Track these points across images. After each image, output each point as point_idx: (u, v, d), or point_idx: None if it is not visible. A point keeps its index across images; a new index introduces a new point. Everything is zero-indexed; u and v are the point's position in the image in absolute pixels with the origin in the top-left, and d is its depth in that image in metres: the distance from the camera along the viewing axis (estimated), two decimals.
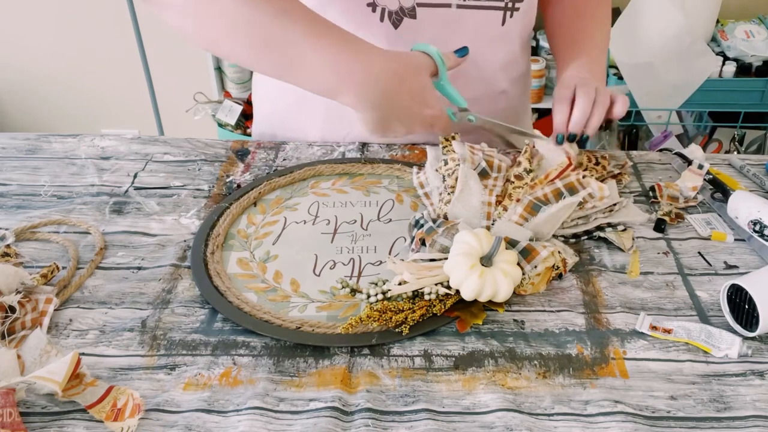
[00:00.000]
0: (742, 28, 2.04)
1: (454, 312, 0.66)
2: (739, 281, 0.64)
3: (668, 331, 0.65)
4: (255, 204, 0.82)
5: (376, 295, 0.65)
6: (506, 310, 0.68)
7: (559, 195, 0.76)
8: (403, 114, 0.73)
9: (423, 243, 0.71)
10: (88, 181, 0.87)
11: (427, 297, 0.66)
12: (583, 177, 0.77)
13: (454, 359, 0.63)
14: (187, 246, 0.76)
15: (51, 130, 2.33)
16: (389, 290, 0.66)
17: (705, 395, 0.59)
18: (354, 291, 0.67)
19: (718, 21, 2.08)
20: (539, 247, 0.69)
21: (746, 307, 0.63)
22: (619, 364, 0.62)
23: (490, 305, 0.67)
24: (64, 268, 0.72)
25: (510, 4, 0.88)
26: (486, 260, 0.66)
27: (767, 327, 0.62)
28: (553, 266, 0.70)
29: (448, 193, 0.77)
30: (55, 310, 0.67)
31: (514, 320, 0.67)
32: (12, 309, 0.64)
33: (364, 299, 0.66)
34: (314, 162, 0.89)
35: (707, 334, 0.64)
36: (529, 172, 0.80)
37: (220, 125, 2.21)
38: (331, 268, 0.72)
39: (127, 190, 0.86)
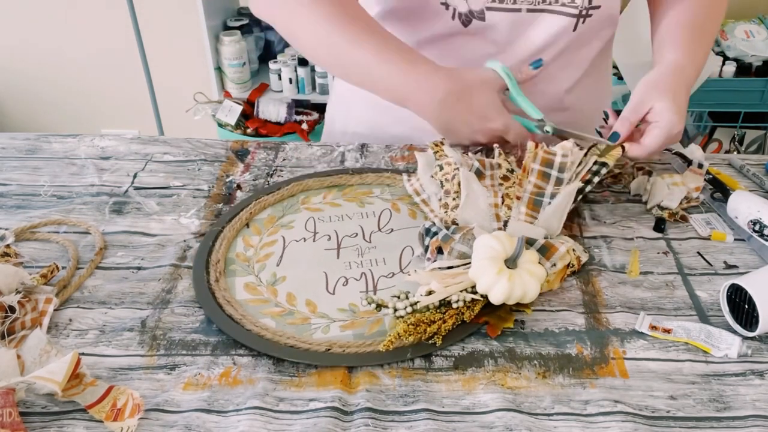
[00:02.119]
0: (742, 28, 2.04)
1: (482, 317, 0.66)
2: (739, 281, 0.64)
3: (668, 331, 0.65)
4: (248, 225, 0.79)
5: (405, 308, 0.64)
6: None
7: (543, 175, 0.75)
8: (463, 128, 0.80)
9: (439, 251, 0.70)
10: (88, 181, 0.87)
11: (455, 305, 0.65)
12: (548, 148, 0.76)
13: (453, 359, 0.63)
14: (187, 246, 0.76)
15: (51, 130, 2.33)
16: (417, 302, 0.64)
17: (705, 395, 0.59)
18: (380, 306, 0.65)
19: None
20: (557, 244, 0.69)
21: (746, 307, 0.63)
22: (618, 364, 0.62)
23: (517, 306, 0.67)
24: (63, 268, 0.72)
25: (584, 12, 0.86)
26: (511, 262, 0.65)
27: (767, 327, 0.62)
28: (568, 264, 0.70)
29: (453, 199, 0.76)
30: (55, 310, 0.67)
31: (514, 320, 0.67)
32: (12, 309, 0.64)
33: (391, 313, 0.64)
34: (301, 176, 0.87)
35: (707, 334, 0.64)
36: (511, 171, 0.80)
37: (220, 125, 2.21)
38: (344, 285, 0.71)
39: (126, 190, 0.86)
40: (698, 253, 0.75)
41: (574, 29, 0.88)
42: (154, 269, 0.73)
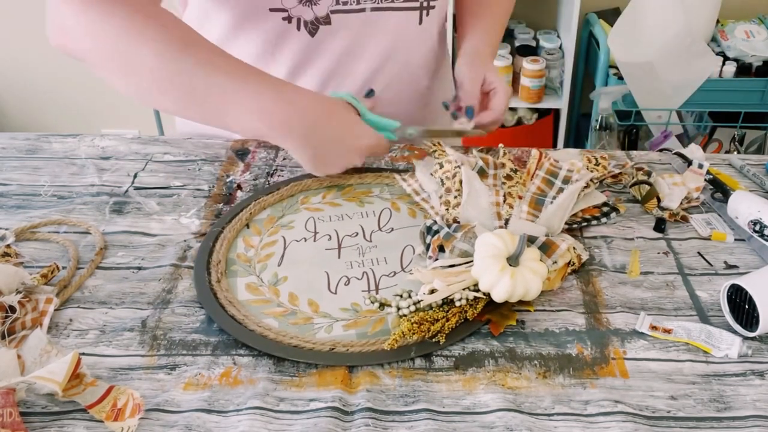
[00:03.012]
0: (742, 28, 2.04)
1: (485, 315, 0.66)
2: (739, 281, 0.64)
3: (668, 331, 0.65)
4: (248, 226, 0.79)
5: (408, 307, 0.64)
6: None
7: (548, 183, 0.77)
8: (338, 147, 0.77)
9: (441, 249, 0.70)
10: (88, 181, 0.87)
11: (458, 303, 0.65)
12: (555, 160, 0.79)
13: (454, 359, 0.63)
14: (188, 246, 0.76)
15: (51, 130, 2.33)
16: (421, 300, 0.64)
17: (705, 395, 0.59)
18: (383, 305, 0.65)
19: (718, 21, 2.08)
20: (558, 241, 0.69)
21: (746, 307, 0.63)
22: (619, 364, 0.62)
23: (520, 305, 0.67)
24: (64, 268, 0.72)
25: (425, 3, 0.89)
26: (513, 260, 0.65)
27: (767, 327, 0.62)
28: (569, 262, 0.70)
29: (454, 197, 0.76)
30: (55, 310, 0.67)
31: (515, 320, 0.67)
32: (12, 309, 0.64)
33: (394, 312, 0.64)
34: (300, 176, 0.86)
35: (707, 334, 0.64)
36: (515, 171, 0.81)
37: None
38: (345, 285, 0.71)
39: (127, 190, 0.86)
40: (698, 253, 0.75)
41: (420, 23, 0.90)
42: (155, 269, 0.73)
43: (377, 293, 0.70)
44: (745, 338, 0.64)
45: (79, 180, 0.87)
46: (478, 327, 0.65)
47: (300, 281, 0.71)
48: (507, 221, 0.74)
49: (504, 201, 0.76)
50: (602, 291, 0.70)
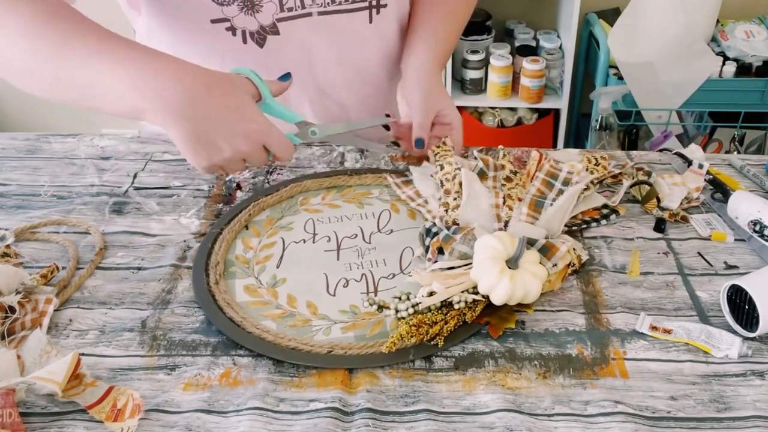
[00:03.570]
0: (742, 28, 2.04)
1: (484, 318, 0.66)
2: (739, 281, 0.64)
3: (668, 332, 0.65)
4: (247, 227, 0.79)
5: (406, 309, 0.64)
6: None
7: (548, 185, 0.77)
8: (221, 127, 0.65)
9: (440, 251, 0.70)
10: (88, 181, 0.87)
11: (456, 306, 0.65)
12: (555, 162, 0.79)
13: (454, 360, 0.63)
14: (187, 246, 0.76)
15: (51, 130, 2.33)
16: (419, 303, 0.64)
17: (705, 395, 0.59)
18: (381, 307, 0.65)
19: (718, 21, 2.07)
20: (558, 243, 0.69)
21: (746, 307, 0.63)
22: (619, 365, 0.62)
23: (519, 307, 0.67)
24: (63, 268, 0.72)
25: (375, 2, 0.87)
26: (512, 263, 0.65)
27: (767, 327, 0.62)
28: (569, 263, 0.70)
29: (454, 198, 0.76)
30: (55, 310, 0.67)
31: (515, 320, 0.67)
32: (12, 309, 0.64)
33: (393, 315, 0.64)
34: (300, 177, 0.86)
35: (707, 335, 0.64)
36: (515, 173, 0.81)
37: None
38: (344, 287, 0.71)
39: (126, 190, 0.86)
40: (699, 253, 0.75)
41: (370, 21, 0.88)
42: (155, 269, 0.73)
43: (376, 295, 0.70)
44: (745, 338, 0.64)
45: (79, 180, 0.87)
46: (477, 330, 0.65)
47: (299, 283, 0.71)
48: (507, 223, 0.74)
49: (504, 203, 0.76)
50: (602, 291, 0.70)
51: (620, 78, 1.98)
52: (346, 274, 0.72)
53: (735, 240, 0.77)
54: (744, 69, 1.97)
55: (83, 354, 0.63)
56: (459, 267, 0.68)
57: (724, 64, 1.96)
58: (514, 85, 2.25)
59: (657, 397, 0.59)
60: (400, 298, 0.65)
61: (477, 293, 0.65)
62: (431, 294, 0.65)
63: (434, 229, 0.73)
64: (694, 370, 0.61)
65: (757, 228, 0.75)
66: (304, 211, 0.82)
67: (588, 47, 2.26)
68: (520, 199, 0.75)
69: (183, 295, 0.70)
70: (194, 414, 0.57)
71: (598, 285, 0.71)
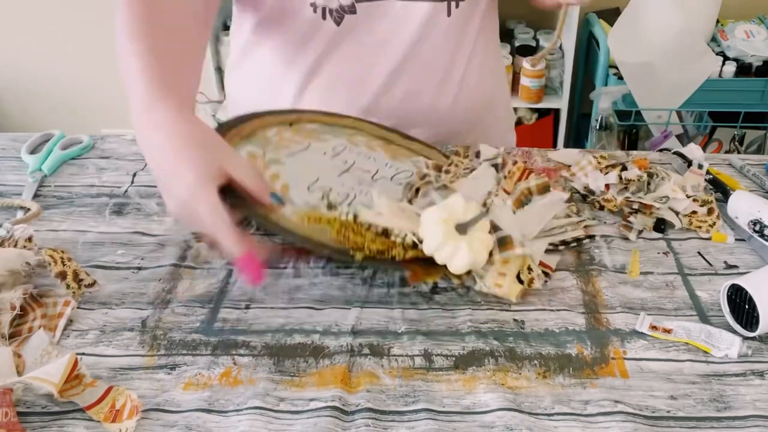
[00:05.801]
0: (742, 28, 2.04)
1: (410, 264, 0.67)
2: (739, 281, 0.64)
3: (668, 331, 0.65)
4: (291, 124, 0.81)
5: (347, 213, 0.68)
6: (506, 310, 0.68)
7: (543, 189, 0.78)
8: (159, 174, 0.63)
9: (416, 193, 0.74)
10: (87, 182, 0.87)
11: (392, 238, 0.67)
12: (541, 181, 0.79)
13: (454, 359, 0.63)
14: (187, 246, 0.76)
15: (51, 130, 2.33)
16: (358, 214, 0.68)
17: (705, 395, 0.59)
18: (331, 206, 0.69)
19: (718, 21, 2.07)
20: (517, 244, 0.68)
21: (746, 307, 0.63)
22: (619, 364, 0.62)
23: (451, 276, 0.68)
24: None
25: None
26: (462, 228, 0.66)
27: (767, 327, 0.62)
28: (518, 276, 0.69)
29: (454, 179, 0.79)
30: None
31: (514, 320, 0.67)
32: (22, 308, 0.64)
33: (336, 215, 0.68)
34: (361, 119, 0.88)
35: (707, 334, 0.64)
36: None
37: None
38: (324, 192, 0.73)
39: (126, 191, 0.86)
40: (699, 253, 0.75)
41: (449, 14, 0.88)
42: (155, 269, 0.73)
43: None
44: (745, 338, 0.64)
45: (79, 180, 0.87)
46: (394, 268, 0.67)
47: (290, 169, 0.74)
48: (488, 209, 0.74)
49: (497, 194, 0.77)
50: (602, 291, 0.70)
51: (620, 78, 1.98)
52: (335, 187, 0.75)
53: (735, 240, 0.77)
54: (744, 69, 1.97)
55: (83, 354, 0.63)
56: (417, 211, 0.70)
57: (724, 64, 1.96)
58: (514, 85, 2.25)
59: (657, 397, 0.59)
60: (350, 203, 0.69)
61: (420, 241, 0.66)
62: (378, 215, 0.68)
63: (428, 178, 0.77)
64: (693, 370, 0.61)
65: (757, 228, 0.75)
66: (346, 139, 0.84)
67: (588, 47, 2.26)
68: (508, 193, 0.77)
69: (183, 294, 0.70)
70: (194, 413, 0.57)
71: (598, 285, 0.71)
